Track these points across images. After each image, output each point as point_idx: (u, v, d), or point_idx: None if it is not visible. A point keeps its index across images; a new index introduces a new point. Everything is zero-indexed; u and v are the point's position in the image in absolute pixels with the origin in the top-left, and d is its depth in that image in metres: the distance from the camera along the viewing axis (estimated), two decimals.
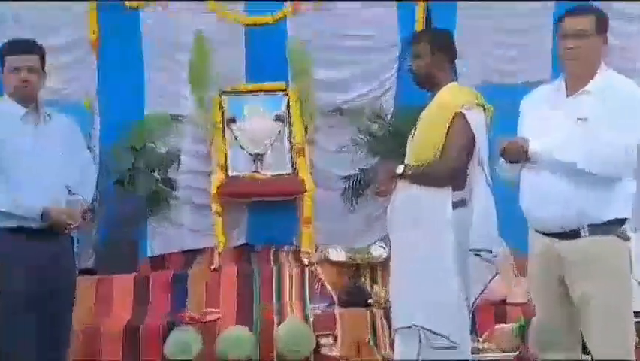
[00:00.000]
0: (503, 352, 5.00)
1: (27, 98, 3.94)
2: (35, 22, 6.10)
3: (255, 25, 6.41)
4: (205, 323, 5.22)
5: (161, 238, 6.31)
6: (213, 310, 5.37)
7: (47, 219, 3.83)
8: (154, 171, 6.07)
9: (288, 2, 6.41)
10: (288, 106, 6.36)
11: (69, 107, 5.52)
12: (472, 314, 3.77)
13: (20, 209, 3.80)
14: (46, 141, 3.97)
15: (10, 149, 3.85)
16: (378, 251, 5.71)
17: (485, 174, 3.60)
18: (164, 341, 5.10)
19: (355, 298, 5.42)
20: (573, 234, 3.38)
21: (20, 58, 3.89)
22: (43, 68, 4.01)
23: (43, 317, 3.92)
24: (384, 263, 5.54)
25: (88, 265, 5.90)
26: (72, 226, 3.91)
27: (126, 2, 6.25)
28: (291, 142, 6.28)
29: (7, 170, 3.83)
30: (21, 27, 6.05)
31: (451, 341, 3.54)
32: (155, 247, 6.31)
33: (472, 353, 3.96)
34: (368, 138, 6.23)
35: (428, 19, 6.37)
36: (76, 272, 4.30)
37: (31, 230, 3.86)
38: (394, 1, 6.42)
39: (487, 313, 5.20)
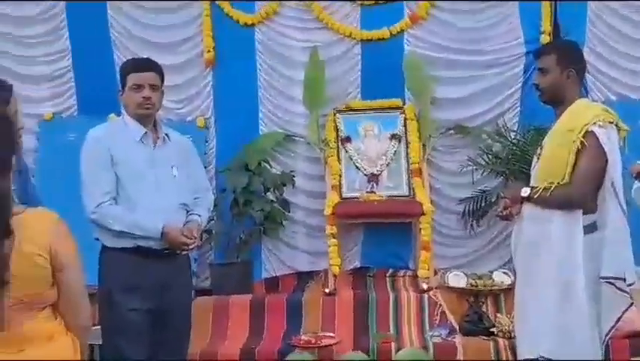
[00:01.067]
0: None
1: (148, 116, 4.10)
2: (153, 41, 6.34)
3: (370, 40, 6.46)
4: (321, 347, 5.28)
5: (275, 260, 6.44)
6: (329, 334, 5.43)
7: (166, 239, 3.98)
8: (268, 191, 6.19)
9: (406, 15, 6.43)
10: (405, 124, 6.38)
11: (184, 127, 5.71)
12: (605, 347, 3.68)
13: (140, 229, 3.96)
14: (165, 162, 4.12)
15: (130, 170, 4.02)
16: (501, 277, 5.65)
17: (618, 197, 3.54)
18: None
19: (477, 326, 5.37)
20: None
21: (143, 75, 4.06)
22: (162, 86, 4.19)
23: (161, 336, 4.07)
24: (508, 290, 5.48)
25: (204, 286, 6.08)
26: (190, 247, 4.05)
27: (240, 19, 6.41)
28: (407, 162, 6.30)
29: (127, 190, 4.00)
30: (139, 46, 6.31)
31: None
32: (269, 268, 6.44)
33: None
34: (490, 158, 6.17)
35: (555, 30, 6.28)
36: (193, 292, 4.44)
37: (150, 250, 4.02)
38: (517, 16, 6.34)
39: (622, 346, 5.07)
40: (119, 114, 5.92)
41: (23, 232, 2.45)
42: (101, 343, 4.17)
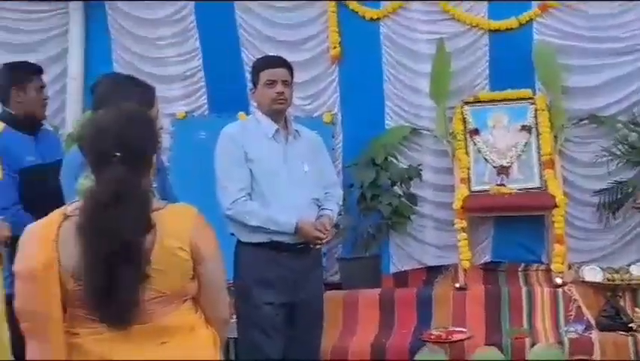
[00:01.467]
0: None
1: (281, 112, 4.19)
2: (280, 40, 6.45)
3: (498, 30, 6.37)
4: (452, 342, 5.25)
5: (403, 254, 6.44)
6: (460, 329, 5.40)
7: (301, 233, 4.06)
8: (395, 185, 6.21)
9: (535, 4, 6.31)
10: (535, 115, 6.27)
11: (311, 122, 5.78)
12: None
13: (275, 224, 4.05)
14: (296, 158, 4.21)
15: (263, 166, 4.12)
16: (639, 271, 5.48)
17: None
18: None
19: (615, 321, 5.24)
20: None
21: (276, 71, 4.16)
22: (292, 83, 4.27)
23: (296, 330, 4.14)
24: None
25: (333, 280, 6.14)
26: (323, 241, 4.11)
27: (366, 15, 6.44)
28: (538, 153, 6.18)
29: (261, 186, 4.11)
30: (266, 45, 6.42)
31: None
32: (396, 262, 6.45)
33: None
34: (625, 148, 6.00)
35: None
36: (323, 287, 4.50)
37: (284, 245, 4.10)
38: None
39: None
40: (247, 113, 6.09)
41: (165, 226, 2.52)
42: (236, 336, 4.28)
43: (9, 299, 3.89)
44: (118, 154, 2.47)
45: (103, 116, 2.59)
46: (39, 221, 2.59)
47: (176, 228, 2.55)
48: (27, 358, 2.55)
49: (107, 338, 2.51)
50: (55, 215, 2.58)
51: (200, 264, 2.60)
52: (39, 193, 4.43)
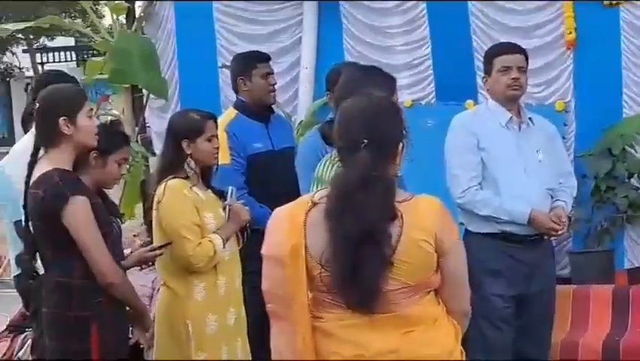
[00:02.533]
0: None
1: (514, 99, 4.15)
2: (513, 26, 6.34)
3: None
4: None
5: (639, 249, 6.16)
6: None
7: (534, 224, 3.99)
8: (632, 177, 5.95)
9: None
10: None
11: (542, 110, 5.64)
12: None
13: (507, 214, 4.02)
14: (530, 146, 4.15)
15: (496, 155, 4.10)
16: None
17: None
18: None
19: None
20: None
21: (512, 57, 4.17)
22: (527, 70, 4.20)
23: (525, 322, 4.09)
24: None
25: (562, 274, 5.98)
26: (558, 233, 4.03)
27: (605, 2, 6.20)
28: None
29: (492, 175, 4.09)
30: (499, 32, 6.32)
31: None
32: (631, 258, 6.18)
33: None
34: None
35: None
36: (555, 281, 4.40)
37: (515, 236, 4.05)
38: None
39: None
40: (475, 101, 6.03)
41: (411, 218, 2.56)
42: None
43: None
44: (366, 141, 2.53)
45: (353, 104, 2.67)
46: (286, 206, 2.69)
47: (421, 220, 2.58)
48: (272, 338, 2.67)
49: (351, 325, 2.58)
50: (304, 201, 2.68)
51: (443, 256, 2.61)
52: (266, 179, 4.64)
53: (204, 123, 4.02)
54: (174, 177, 3.95)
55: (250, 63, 4.90)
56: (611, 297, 5.55)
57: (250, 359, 4.12)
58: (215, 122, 4.10)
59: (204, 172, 4.09)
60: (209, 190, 4.08)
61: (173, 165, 3.98)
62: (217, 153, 4.07)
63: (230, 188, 4.11)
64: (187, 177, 3.97)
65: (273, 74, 4.97)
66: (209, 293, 3.94)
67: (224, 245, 3.93)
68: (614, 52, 6.20)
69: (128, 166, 5.33)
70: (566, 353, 5.17)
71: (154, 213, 3.99)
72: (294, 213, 2.63)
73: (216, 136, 4.06)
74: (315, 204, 2.62)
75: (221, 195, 4.10)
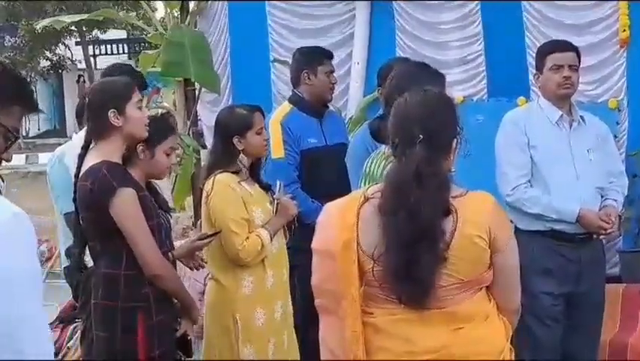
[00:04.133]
0: None
1: (566, 97, 4.12)
2: (567, 23, 6.28)
3: None
4: None
5: None
6: None
7: (583, 223, 3.98)
8: None
9: None
10: None
11: (594, 108, 5.59)
12: None
13: (556, 212, 4.01)
14: (581, 145, 4.14)
15: (546, 153, 4.10)
16: None
17: None
18: None
19: None
20: None
21: (563, 55, 4.15)
22: (579, 68, 4.17)
23: (575, 321, 4.07)
24: None
25: (612, 273, 5.93)
26: (608, 232, 4.01)
27: None
28: None
29: (542, 173, 4.08)
30: (551, 28, 6.28)
31: None
32: None
33: None
34: None
35: None
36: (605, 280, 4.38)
37: (564, 234, 4.04)
38: None
39: None
40: (527, 98, 6.01)
41: (465, 213, 2.58)
42: None
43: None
44: (422, 137, 2.55)
45: (409, 99, 2.68)
46: (338, 201, 2.72)
47: (475, 216, 2.59)
48: (320, 333, 2.70)
49: (402, 320, 2.60)
50: (356, 196, 2.70)
51: (496, 253, 2.62)
52: (318, 174, 4.68)
53: (252, 117, 4.07)
54: (223, 171, 4.00)
55: (317, 58, 4.96)
56: None
57: (297, 352, 4.17)
58: (262, 114, 4.15)
59: (253, 166, 4.14)
60: (257, 184, 4.13)
61: (223, 160, 4.03)
62: (266, 144, 4.12)
63: (278, 182, 4.16)
64: (236, 172, 4.03)
65: (334, 72, 5.04)
66: (256, 287, 3.99)
67: (271, 239, 3.98)
68: None
69: (178, 157, 5.40)
70: (615, 353, 5.12)
71: (203, 207, 4.05)
72: (346, 208, 2.66)
73: (264, 128, 4.11)
74: (367, 199, 2.64)
75: (269, 189, 4.15)
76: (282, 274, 4.10)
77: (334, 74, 5.05)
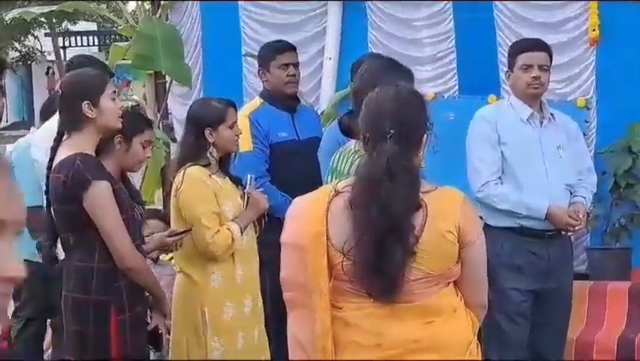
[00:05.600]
0: None
1: (535, 96, 4.15)
2: (538, 21, 6.31)
3: None
4: None
5: None
6: None
7: (551, 219, 4.00)
8: None
9: None
10: None
11: (563, 106, 5.64)
12: None
13: (525, 209, 4.03)
14: (551, 142, 4.16)
15: (516, 149, 4.13)
16: None
17: None
18: None
19: None
20: None
21: (534, 55, 4.17)
22: (550, 67, 4.20)
23: (543, 318, 4.10)
24: None
25: (579, 270, 5.98)
26: (575, 228, 4.04)
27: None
28: None
29: (512, 170, 4.11)
30: (524, 26, 6.31)
31: None
32: None
33: None
34: None
35: None
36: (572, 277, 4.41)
37: (533, 230, 4.06)
38: None
39: None
40: (498, 96, 6.03)
41: (434, 208, 2.59)
42: None
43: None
44: (393, 132, 2.56)
45: (381, 94, 2.68)
46: (308, 195, 2.73)
47: (444, 211, 2.61)
48: (289, 326, 2.69)
49: (372, 314, 2.61)
50: (326, 190, 2.71)
51: (464, 248, 2.64)
52: (289, 168, 4.66)
53: (226, 111, 4.06)
54: (194, 165, 3.99)
55: (269, 55, 4.95)
56: (628, 294, 5.54)
57: (267, 346, 4.15)
58: (235, 109, 4.13)
59: (223, 159, 4.12)
60: (227, 178, 4.12)
61: (194, 153, 4.01)
62: (238, 139, 4.11)
63: (249, 176, 4.14)
64: (206, 165, 4.01)
65: (295, 64, 4.98)
66: (226, 281, 3.98)
67: (242, 233, 3.97)
68: (637, 50, 6.18)
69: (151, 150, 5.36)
70: (581, 350, 5.18)
71: (172, 200, 4.03)
72: (316, 202, 2.66)
73: (237, 123, 4.09)
74: (338, 193, 2.65)
75: (239, 182, 4.13)
76: (252, 269, 4.09)
77: (296, 66, 4.99)
